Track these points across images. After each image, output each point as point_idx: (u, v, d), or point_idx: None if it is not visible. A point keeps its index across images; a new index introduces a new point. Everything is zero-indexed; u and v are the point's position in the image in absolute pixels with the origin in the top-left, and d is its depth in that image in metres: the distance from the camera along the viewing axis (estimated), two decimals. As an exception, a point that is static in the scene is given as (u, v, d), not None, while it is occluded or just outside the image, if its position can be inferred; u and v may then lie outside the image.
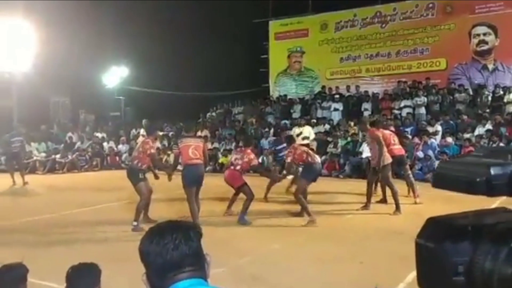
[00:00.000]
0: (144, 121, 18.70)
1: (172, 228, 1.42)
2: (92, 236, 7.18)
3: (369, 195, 9.05)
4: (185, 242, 1.37)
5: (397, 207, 8.49)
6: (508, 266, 0.84)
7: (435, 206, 9.08)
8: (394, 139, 9.58)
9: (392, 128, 11.88)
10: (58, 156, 17.17)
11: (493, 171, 0.90)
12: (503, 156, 0.98)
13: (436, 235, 0.92)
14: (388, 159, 8.75)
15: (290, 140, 9.17)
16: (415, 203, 9.21)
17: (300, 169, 8.79)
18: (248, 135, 15.94)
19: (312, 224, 7.70)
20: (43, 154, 17.34)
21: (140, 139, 17.36)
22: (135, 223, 7.43)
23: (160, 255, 1.35)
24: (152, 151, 7.88)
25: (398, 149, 9.54)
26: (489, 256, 0.86)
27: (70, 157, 17.18)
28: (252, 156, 8.54)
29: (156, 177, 8.23)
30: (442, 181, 0.98)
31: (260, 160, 15.21)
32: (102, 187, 12.49)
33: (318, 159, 8.84)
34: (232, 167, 8.41)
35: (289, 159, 8.47)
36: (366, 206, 8.97)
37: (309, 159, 8.26)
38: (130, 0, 19.86)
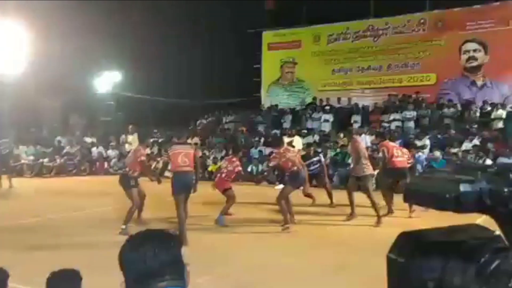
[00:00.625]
0: (130, 126, 18.61)
1: (152, 236, 1.43)
2: (78, 241, 7.13)
3: (352, 203, 9.08)
4: (165, 251, 1.37)
5: (379, 219, 8.53)
6: (476, 284, 0.83)
7: (423, 219, 9.15)
8: (398, 151, 9.58)
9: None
10: (46, 159, 17.04)
11: (462, 188, 0.91)
12: (472, 173, 1.00)
13: (407, 250, 0.91)
14: (369, 170, 8.86)
15: (278, 142, 9.28)
16: (410, 217, 9.16)
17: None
18: (238, 144, 15.98)
19: (287, 231, 7.88)
20: (31, 158, 17.20)
21: (127, 146, 17.37)
22: (123, 227, 7.51)
23: (139, 263, 1.35)
24: (143, 158, 8.07)
25: (400, 161, 9.49)
26: (457, 272, 0.85)
27: (58, 161, 17.06)
28: (237, 163, 9.06)
29: (153, 180, 8.40)
30: (413, 196, 0.99)
31: (249, 169, 15.28)
32: (89, 192, 12.41)
33: (302, 166, 8.85)
34: (219, 175, 9.10)
35: (272, 164, 8.85)
36: (351, 215, 9.04)
37: (294, 168, 8.36)
38: (124, 5, 19.87)
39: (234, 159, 9.24)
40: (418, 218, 9.10)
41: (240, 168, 9.28)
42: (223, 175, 8.92)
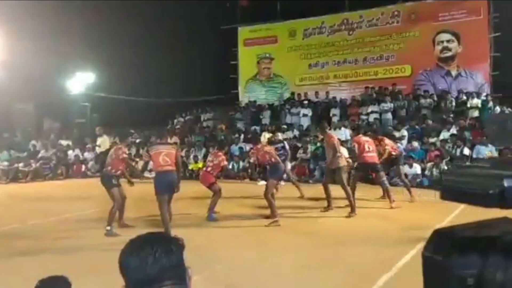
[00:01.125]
0: (97, 128, 18.31)
1: (153, 240, 1.39)
2: (63, 246, 6.95)
3: (328, 196, 9.32)
4: (166, 255, 1.34)
5: (352, 209, 8.73)
6: None
7: (403, 210, 9.30)
8: (369, 146, 9.77)
9: (370, 133, 12.17)
10: (21, 164, 16.64)
11: (506, 183, 0.89)
12: (512, 167, 0.98)
13: (444, 247, 0.91)
14: (343, 162, 9.08)
15: (255, 139, 9.76)
16: (391, 207, 9.34)
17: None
18: (221, 140, 16.01)
19: (276, 225, 7.95)
20: (6, 163, 16.77)
21: (97, 149, 17.11)
22: (108, 228, 7.48)
23: (140, 268, 1.32)
24: (125, 155, 8.06)
25: (371, 156, 9.75)
26: (499, 268, 0.85)
27: (33, 165, 16.69)
28: (222, 157, 9.21)
29: (130, 183, 8.33)
30: (451, 193, 0.98)
31: (230, 166, 15.21)
32: (68, 196, 12.16)
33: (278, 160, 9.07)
34: (205, 169, 9.20)
35: (252, 159, 9.16)
36: (327, 208, 9.25)
37: (272, 159, 8.62)
38: (94, 5, 19.51)
39: (220, 153, 9.38)
40: (399, 208, 9.28)
41: (225, 163, 9.49)
42: (209, 168, 8.96)
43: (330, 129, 11.01)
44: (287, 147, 12.23)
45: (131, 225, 7.99)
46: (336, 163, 8.95)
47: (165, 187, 7.34)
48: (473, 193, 0.92)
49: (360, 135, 10.14)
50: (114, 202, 7.71)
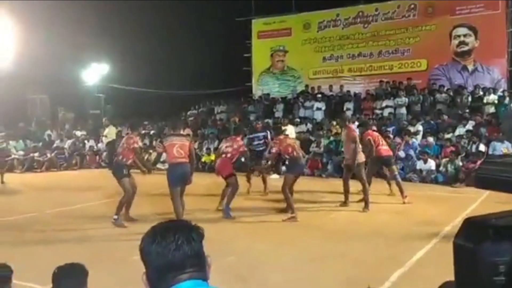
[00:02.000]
0: (104, 119, 18.36)
1: (175, 228, 1.41)
2: (75, 235, 7.05)
3: (346, 192, 9.24)
4: (187, 243, 1.37)
5: (366, 205, 8.68)
6: None
7: (418, 205, 9.24)
8: (382, 140, 9.85)
9: (374, 128, 12.08)
10: (36, 154, 16.83)
11: None
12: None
13: (475, 235, 0.92)
14: (361, 158, 8.94)
15: (278, 131, 9.21)
16: (404, 203, 9.30)
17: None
18: (236, 127, 15.96)
19: (293, 221, 7.82)
20: (21, 153, 16.97)
21: (104, 139, 17.16)
22: (115, 217, 7.55)
23: (162, 255, 1.35)
24: (136, 145, 7.97)
25: (386, 149, 9.82)
26: None
27: (48, 155, 16.86)
28: (241, 143, 8.91)
29: (143, 172, 8.26)
30: (485, 182, 1.00)
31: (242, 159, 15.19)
32: (82, 186, 12.30)
33: (301, 154, 8.95)
34: (223, 155, 8.67)
35: (274, 150, 8.61)
36: (344, 203, 9.18)
37: (294, 153, 8.32)
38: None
39: (238, 138, 9.08)
40: (410, 203, 9.23)
41: (245, 148, 9.17)
42: (228, 155, 8.60)
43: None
44: (269, 137, 11.36)
45: (136, 219, 7.92)
46: (356, 158, 8.80)
47: (179, 179, 7.32)
48: (508, 182, 0.95)
49: (369, 130, 10.09)
50: (125, 192, 7.73)
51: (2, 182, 12.93)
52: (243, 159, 9.82)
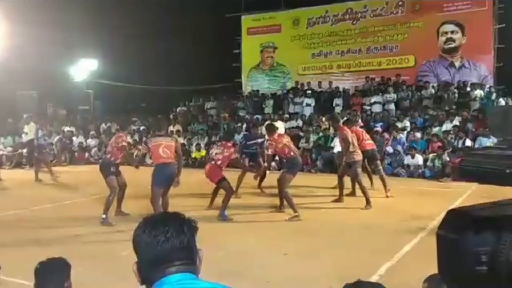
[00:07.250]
0: (25, 116, 17.79)
1: (166, 220, 1.41)
2: (63, 232, 7.02)
3: (341, 189, 9.28)
4: (177, 235, 1.36)
5: (368, 202, 8.66)
6: None
7: (405, 200, 9.35)
8: (366, 135, 9.97)
9: (361, 123, 12.17)
10: (25, 150, 16.67)
11: None
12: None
13: (458, 226, 0.93)
14: (359, 156, 8.94)
15: (271, 129, 8.46)
16: (387, 197, 9.43)
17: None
18: (226, 130, 15.77)
19: (297, 220, 7.67)
20: (9, 149, 16.83)
21: (24, 136, 15.64)
22: (103, 216, 7.51)
23: (150, 246, 1.35)
24: (124, 144, 7.97)
25: (369, 143, 9.91)
26: None
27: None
28: (232, 149, 8.45)
29: (137, 167, 8.21)
30: (468, 173, 1.03)
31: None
32: (71, 183, 12.26)
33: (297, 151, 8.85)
34: (212, 162, 8.24)
35: (269, 151, 8.23)
36: (339, 200, 9.20)
37: (292, 153, 8.11)
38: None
39: (229, 144, 8.69)
40: (393, 197, 9.35)
41: (236, 155, 8.62)
42: (218, 162, 8.14)
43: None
44: (266, 144, 9.92)
45: (127, 213, 7.98)
46: (352, 157, 8.80)
47: (165, 179, 7.19)
48: (490, 173, 0.97)
49: (354, 126, 10.02)
50: (111, 190, 7.68)
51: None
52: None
